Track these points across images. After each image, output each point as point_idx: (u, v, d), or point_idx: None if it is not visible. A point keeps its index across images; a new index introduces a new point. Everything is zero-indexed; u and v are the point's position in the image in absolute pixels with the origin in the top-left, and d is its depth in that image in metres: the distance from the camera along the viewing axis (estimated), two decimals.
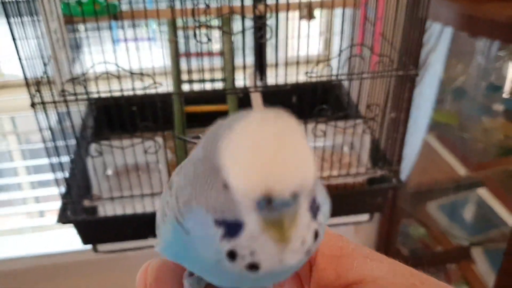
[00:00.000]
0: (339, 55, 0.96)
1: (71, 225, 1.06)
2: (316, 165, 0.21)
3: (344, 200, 1.10)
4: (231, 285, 0.24)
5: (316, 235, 0.22)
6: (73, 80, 0.96)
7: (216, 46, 1.22)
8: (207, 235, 0.22)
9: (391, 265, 0.29)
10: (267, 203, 0.20)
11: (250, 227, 0.21)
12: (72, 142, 1.05)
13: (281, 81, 0.99)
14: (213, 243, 0.22)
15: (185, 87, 1.19)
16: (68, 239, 1.56)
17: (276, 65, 1.01)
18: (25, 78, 0.91)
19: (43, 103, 0.94)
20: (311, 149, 0.21)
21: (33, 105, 0.93)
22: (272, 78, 1.24)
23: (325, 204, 0.25)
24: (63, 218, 1.03)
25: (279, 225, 0.20)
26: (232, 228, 0.21)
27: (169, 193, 0.26)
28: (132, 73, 0.94)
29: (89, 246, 1.14)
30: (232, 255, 0.21)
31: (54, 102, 0.95)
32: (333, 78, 0.99)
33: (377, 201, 1.09)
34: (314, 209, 0.22)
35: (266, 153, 0.19)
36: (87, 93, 0.96)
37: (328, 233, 0.29)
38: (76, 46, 1.18)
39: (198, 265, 0.24)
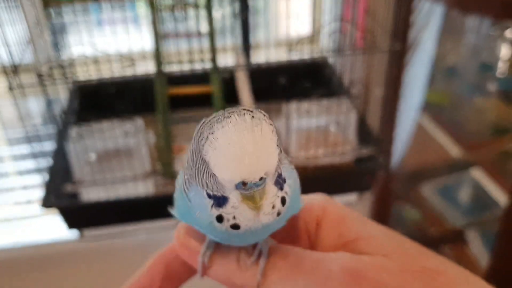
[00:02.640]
0: (319, 31, 0.94)
1: (57, 212, 1.05)
2: (278, 154, 0.29)
3: (331, 180, 1.08)
4: (224, 240, 0.32)
5: (283, 201, 0.30)
6: (51, 64, 0.94)
7: (200, 26, 1.19)
8: (202, 204, 0.30)
9: (384, 229, 0.34)
10: (242, 185, 0.28)
11: (232, 200, 0.29)
12: (54, 127, 1.04)
13: (266, 60, 0.97)
14: (206, 210, 0.30)
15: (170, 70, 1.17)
16: (55, 227, 1.55)
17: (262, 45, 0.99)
18: (3, 64, 0.90)
19: (21, 86, 0.92)
20: (277, 143, 0.28)
21: (10, 88, 0.92)
22: (258, 58, 1.22)
23: (290, 177, 0.31)
24: (46, 202, 1.02)
25: (253, 198, 0.28)
26: (220, 201, 0.29)
27: (181, 170, 0.34)
28: (109, 56, 0.93)
29: (76, 235, 1.13)
30: (219, 218, 0.30)
31: (33, 86, 0.93)
32: (316, 55, 0.97)
33: (364, 180, 1.08)
34: (280, 182, 0.30)
35: (242, 157, 0.27)
36: (65, 76, 0.94)
37: (335, 202, 0.36)
38: (54, 31, 1.16)
39: (198, 224, 0.32)
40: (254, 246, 0.33)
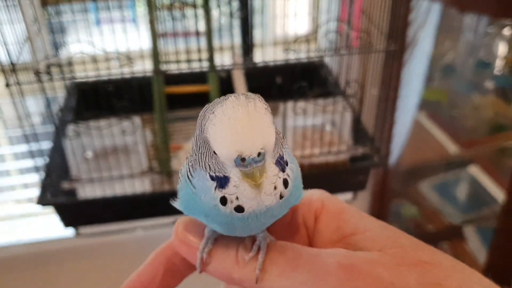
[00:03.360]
0: (316, 32, 0.94)
1: (53, 210, 1.05)
2: (276, 134, 0.30)
3: (326, 178, 1.09)
4: (228, 227, 0.32)
5: (285, 183, 0.31)
6: (49, 62, 0.95)
7: (198, 25, 1.20)
8: (206, 187, 0.31)
9: (381, 223, 0.35)
10: (241, 161, 0.28)
11: (233, 179, 0.30)
12: (52, 125, 1.04)
13: (264, 60, 0.98)
14: (210, 192, 0.30)
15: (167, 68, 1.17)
16: (51, 225, 1.56)
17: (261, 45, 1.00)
18: (0, 62, 0.90)
19: (18, 84, 0.93)
20: (272, 123, 0.30)
21: (7, 85, 0.92)
22: (255, 57, 1.22)
23: (293, 162, 0.32)
24: (42, 200, 1.02)
25: (252, 175, 0.29)
26: (222, 181, 0.30)
27: (185, 162, 0.34)
28: (107, 54, 0.93)
29: (73, 232, 1.13)
30: (223, 200, 0.30)
31: (30, 82, 0.94)
32: (312, 55, 0.97)
33: (359, 179, 1.08)
34: (282, 164, 0.31)
35: (237, 128, 0.28)
36: (63, 74, 0.95)
37: (333, 197, 0.37)
38: (52, 30, 1.16)
39: (202, 211, 0.32)
40: (253, 242, 0.34)
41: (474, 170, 1.79)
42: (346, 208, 0.36)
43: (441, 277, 0.30)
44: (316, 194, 0.38)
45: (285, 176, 0.31)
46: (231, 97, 0.29)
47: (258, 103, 0.29)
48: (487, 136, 1.73)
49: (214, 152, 0.30)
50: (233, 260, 0.33)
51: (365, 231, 0.34)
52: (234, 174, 0.30)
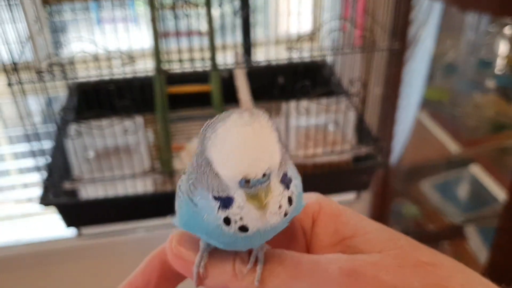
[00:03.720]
0: (319, 30, 0.94)
1: (55, 210, 1.05)
2: (281, 151, 0.29)
3: (330, 178, 1.08)
4: (230, 245, 0.32)
5: (290, 200, 0.30)
6: (51, 61, 0.94)
7: (200, 25, 1.19)
8: (209, 207, 0.30)
9: (379, 225, 0.34)
10: (246, 183, 0.28)
11: (238, 200, 0.29)
12: (53, 125, 1.04)
13: (265, 59, 0.97)
14: (213, 212, 0.29)
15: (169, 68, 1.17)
16: (53, 225, 1.56)
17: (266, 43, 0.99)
18: (2, 62, 0.90)
19: (20, 83, 0.92)
20: (278, 140, 0.29)
21: (9, 84, 0.92)
22: (258, 57, 1.22)
23: (296, 178, 0.32)
24: (44, 200, 1.02)
25: (258, 197, 0.28)
26: (226, 202, 0.29)
27: (183, 177, 0.34)
28: (109, 53, 0.93)
29: (74, 232, 1.13)
30: (227, 221, 0.29)
31: (32, 82, 0.94)
32: (315, 54, 0.97)
33: (362, 179, 1.08)
34: (286, 181, 0.30)
35: (241, 149, 0.27)
36: (64, 73, 0.94)
37: (330, 200, 0.36)
38: (54, 29, 1.16)
39: (204, 230, 0.31)
40: (249, 253, 0.33)
41: (475, 169, 1.79)
42: (344, 211, 0.35)
43: (443, 277, 0.30)
44: (312, 197, 0.37)
45: (290, 194, 0.30)
46: (233, 115, 0.28)
47: (262, 121, 0.28)
48: (489, 135, 1.73)
49: (216, 173, 0.29)
50: (230, 274, 0.32)
51: (365, 233, 0.33)
52: (239, 195, 0.29)
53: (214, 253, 0.33)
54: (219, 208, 0.29)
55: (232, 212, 0.29)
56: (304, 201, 0.34)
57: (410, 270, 0.30)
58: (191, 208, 0.31)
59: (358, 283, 0.30)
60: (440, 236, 1.82)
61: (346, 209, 0.35)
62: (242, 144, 0.27)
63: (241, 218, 0.29)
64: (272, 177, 0.28)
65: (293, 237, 0.36)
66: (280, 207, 0.29)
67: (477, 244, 1.69)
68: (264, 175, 0.28)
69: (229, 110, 0.29)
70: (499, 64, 1.60)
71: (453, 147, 1.74)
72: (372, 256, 0.31)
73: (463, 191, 1.84)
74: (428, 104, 1.76)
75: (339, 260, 0.31)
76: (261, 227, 0.30)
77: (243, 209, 0.29)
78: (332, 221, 0.35)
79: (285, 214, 0.30)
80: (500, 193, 1.65)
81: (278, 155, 0.28)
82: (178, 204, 0.34)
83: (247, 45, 1.22)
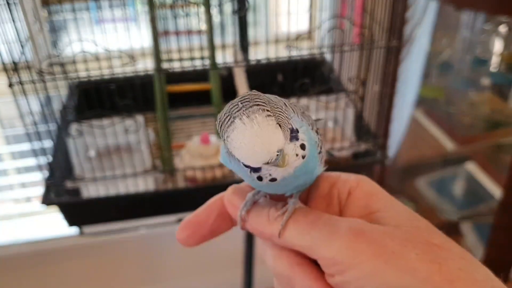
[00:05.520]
0: (318, 28, 0.94)
1: (57, 209, 1.05)
2: (283, 126, 0.34)
3: None
4: (266, 189, 0.39)
5: (303, 147, 0.35)
6: (52, 60, 0.94)
7: (199, 24, 1.20)
8: (242, 169, 0.36)
9: (407, 209, 0.37)
10: (265, 164, 0.34)
11: (264, 166, 0.34)
12: (54, 124, 1.04)
13: (264, 57, 0.98)
14: (247, 174, 0.36)
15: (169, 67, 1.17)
16: (55, 224, 1.56)
17: (267, 41, 1.00)
18: (2, 61, 0.90)
19: (21, 83, 0.92)
20: (277, 124, 0.33)
21: (10, 85, 0.92)
22: (256, 54, 1.22)
23: (303, 125, 0.37)
24: (46, 200, 1.02)
25: (278, 163, 0.33)
26: (255, 169, 0.35)
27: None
28: (109, 53, 0.93)
29: (76, 231, 1.13)
30: (259, 178, 0.36)
31: (33, 81, 0.94)
32: (314, 51, 0.98)
33: (362, 175, 1.08)
34: (295, 135, 0.35)
35: (254, 148, 0.33)
36: (65, 73, 0.95)
37: (372, 182, 0.41)
38: (54, 28, 1.16)
39: (242, 175, 0.38)
40: (284, 205, 0.40)
41: (471, 167, 1.80)
42: (380, 192, 0.39)
43: (442, 257, 0.32)
44: (355, 176, 0.41)
45: (301, 142, 0.36)
46: (237, 122, 0.33)
47: (259, 118, 0.33)
48: (484, 133, 1.74)
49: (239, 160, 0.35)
50: (265, 218, 0.39)
51: (388, 211, 0.37)
52: (263, 167, 0.35)
53: (256, 203, 0.41)
54: (250, 171, 0.36)
55: (262, 173, 0.35)
56: (346, 175, 0.41)
57: (414, 244, 0.33)
58: (229, 158, 0.37)
59: (361, 241, 0.33)
60: None
61: (383, 191, 0.39)
62: (252, 145, 0.33)
63: (270, 174, 0.35)
64: (284, 146, 0.34)
65: (329, 204, 0.41)
66: (297, 155, 0.35)
67: (472, 240, 1.70)
68: (276, 155, 0.33)
69: (232, 103, 0.34)
70: (494, 62, 1.61)
71: (448, 144, 1.75)
72: (385, 227, 0.35)
73: (458, 188, 1.86)
74: (423, 102, 1.78)
75: (353, 222, 0.36)
76: (287, 175, 0.36)
77: (270, 170, 0.35)
78: (365, 197, 0.39)
79: (303, 157, 0.36)
80: (495, 190, 1.66)
81: (281, 137, 0.33)
82: (222, 146, 0.39)
83: (246, 44, 1.23)
